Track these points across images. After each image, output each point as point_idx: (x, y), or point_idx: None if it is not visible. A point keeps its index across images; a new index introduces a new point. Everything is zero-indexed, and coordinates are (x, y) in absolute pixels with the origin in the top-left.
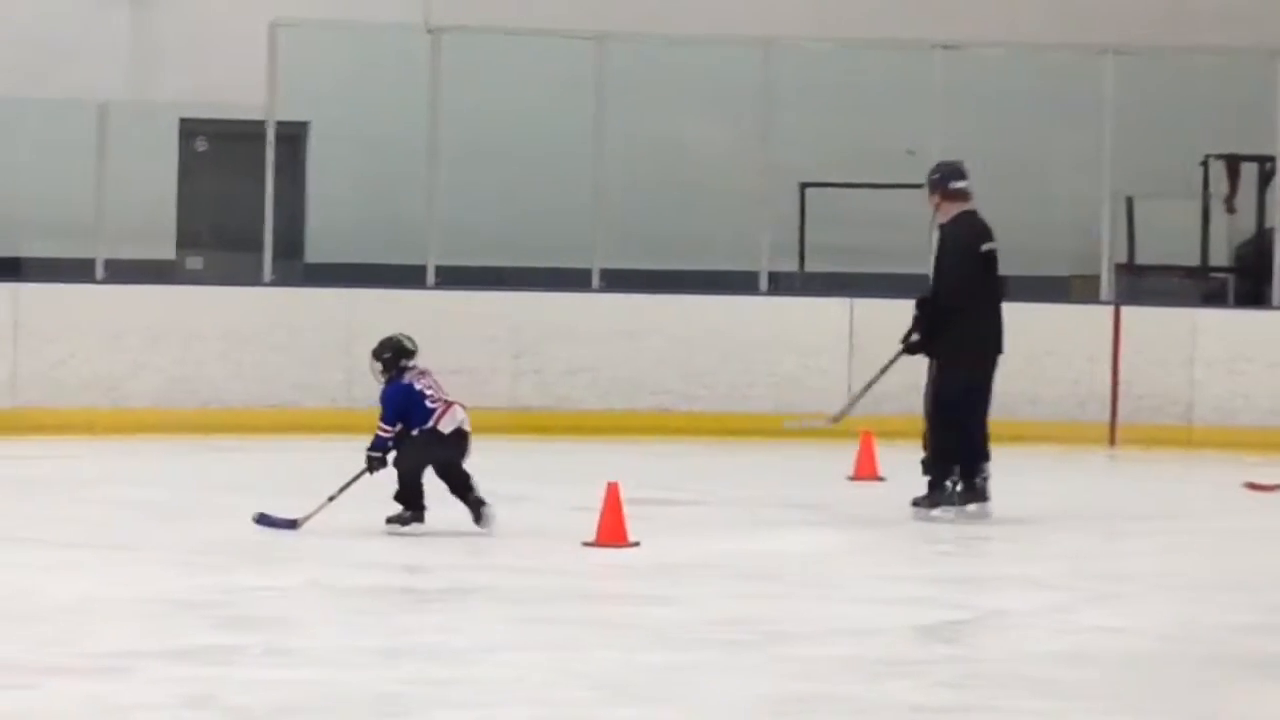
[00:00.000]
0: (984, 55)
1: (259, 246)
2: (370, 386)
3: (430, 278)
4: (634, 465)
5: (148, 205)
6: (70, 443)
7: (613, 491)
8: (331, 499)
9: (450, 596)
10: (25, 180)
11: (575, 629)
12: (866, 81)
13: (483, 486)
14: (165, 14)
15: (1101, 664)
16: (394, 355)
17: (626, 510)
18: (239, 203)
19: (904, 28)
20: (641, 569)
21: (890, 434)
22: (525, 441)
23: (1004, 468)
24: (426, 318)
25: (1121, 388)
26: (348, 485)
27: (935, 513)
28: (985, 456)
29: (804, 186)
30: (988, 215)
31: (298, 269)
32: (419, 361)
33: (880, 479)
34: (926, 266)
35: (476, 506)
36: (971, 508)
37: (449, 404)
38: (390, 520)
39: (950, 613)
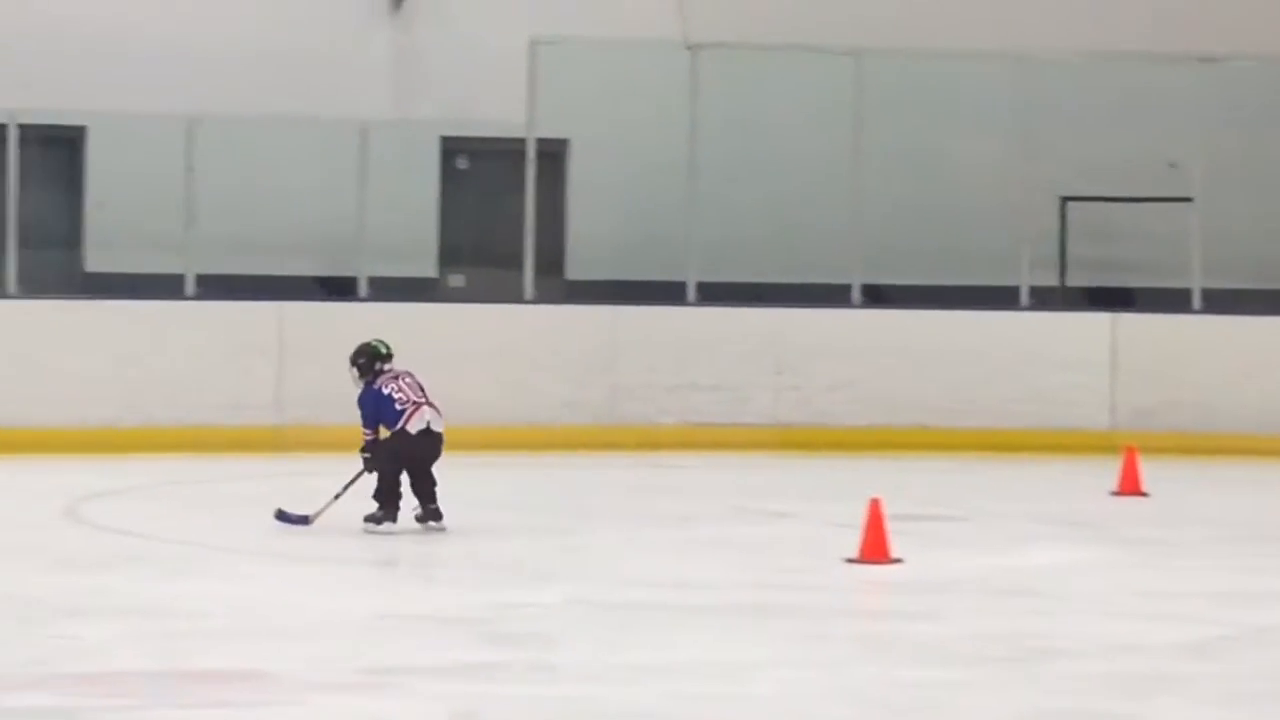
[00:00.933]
0: (1244, 68)
1: (520, 263)
2: (636, 404)
3: (691, 294)
4: (895, 481)
5: (409, 223)
6: (336, 459)
7: (875, 508)
8: (337, 497)
9: (713, 612)
10: (289, 200)
11: (838, 645)
12: (1127, 94)
13: (746, 505)
14: (425, 34)
15: None
16: (368, 360)
17: (889, 526)
18: (500, 220)
19: (1163, 41)
20: (904, 585)
21: (1154, 450)
22: (787, 458)
23: None
24: (687, 334)
25: None
26: (349, 485)
27: None
28: None
29: (1065, 200)
30: (1245, 226)
31: (559, 286)
32: (396, 364)
33: (1144, 494)
34: (1190, 281)
35: (430, 514)
36: None
37: (418, 405)
38: (367, 519)
39: (1215, 629)
